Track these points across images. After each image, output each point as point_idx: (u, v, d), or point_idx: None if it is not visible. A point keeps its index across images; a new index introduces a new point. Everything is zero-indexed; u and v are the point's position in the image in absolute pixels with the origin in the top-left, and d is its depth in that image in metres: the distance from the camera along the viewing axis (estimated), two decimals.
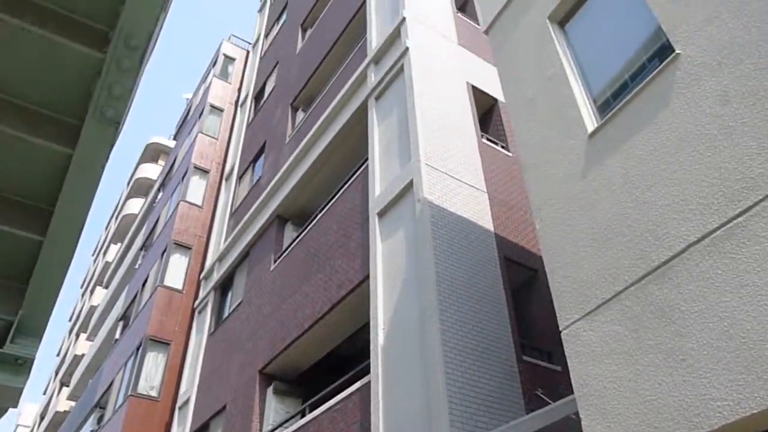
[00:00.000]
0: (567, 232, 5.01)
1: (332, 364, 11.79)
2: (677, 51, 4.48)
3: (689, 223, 4.00)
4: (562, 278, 4.91)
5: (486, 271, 8.65)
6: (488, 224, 9.31)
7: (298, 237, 13.02)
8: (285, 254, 13.25)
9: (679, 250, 4.02)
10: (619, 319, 4.31)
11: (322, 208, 12.35)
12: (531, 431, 6.05)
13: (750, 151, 3.72)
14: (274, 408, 11.29)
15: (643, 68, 4.91)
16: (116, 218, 42.66)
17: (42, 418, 42.25)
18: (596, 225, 4.76)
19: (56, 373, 43.02)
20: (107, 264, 39.36)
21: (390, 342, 8.23)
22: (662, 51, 4.75)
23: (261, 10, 25.75)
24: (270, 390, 11.61)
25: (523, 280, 9.49)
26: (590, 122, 5.21)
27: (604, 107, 5.22)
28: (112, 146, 3.03)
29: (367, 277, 9.38)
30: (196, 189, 22.30)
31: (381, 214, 9.66)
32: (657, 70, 4.61)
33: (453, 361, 7.25)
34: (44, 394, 46.53)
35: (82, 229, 3.22)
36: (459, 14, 12.87)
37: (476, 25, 12.99)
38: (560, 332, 4.80)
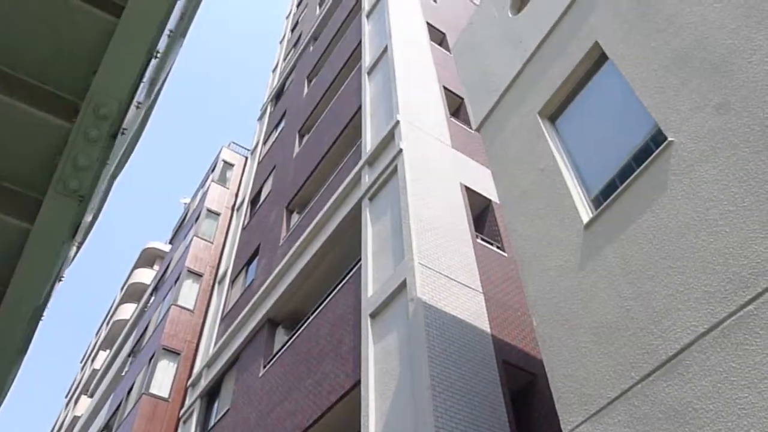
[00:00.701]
0: (566, 328, 4.74)
1: None
2: (670, 139, 4.43)
3: (696, 313, 3.75)
4: (564, 377, 4.58)
5: (483, 375, 8.22)
6: (485, 326, 8.97)
7: (288, 341, 12.57)
8: (275, 359, 12.73)
9: (687, 343, 3.74)
10: (627, 420, 3.95)
11: (314, 311, 12.00)
12: None
13: (754, 234, 3.55)
14: None
15: (636, 157, 4.85)
16: (107, 324, 41.80)
17: None
18: (597, 319, 4.49)
19: None
20: (94, 371, 38.09)
21: None
22: (655, 139, 4.70)
23: (261, 118, 26.55)
24: None
25: (523, 384, 9.01)
26: (585, 213, 5.08)
27: (598, 197, 5.11)
28: (77, 223, 2.84)
29: (359, 382, 8.91)
30: (189, 293, 21.95)
31: (373, 316, 9.34)
32: (651, 158, 4.53)
33: None
34: None
35: (37, 315, 2.97)
36: (452, 119, 13.16)
37: (469, 130, 13.26)
38: None
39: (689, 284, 3.88)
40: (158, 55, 2.97)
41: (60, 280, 3.79)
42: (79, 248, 4.13)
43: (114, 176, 4.11)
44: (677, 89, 4.56)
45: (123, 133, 3.20)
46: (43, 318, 3.53)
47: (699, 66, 4.42)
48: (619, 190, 4.72)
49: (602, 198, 5.03)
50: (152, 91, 3.51)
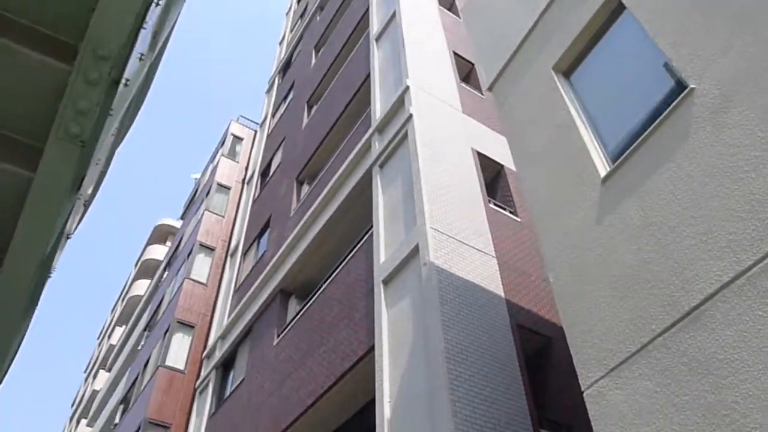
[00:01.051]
0: (584, 284, 4.64)
1: None
2: (691, 86, 4.26)
3: (720, 262, 3.63)
4: (582, 333, 4.50)
5: (498, 338, 8.17)
6: (498, 290, 8.89)
7: (301, 310, 12.59)
8: (288, 328, 12.77)
9: (711, 293, 3.63)
10: (647, 373, 3.86)
11: (326, 280, 11.98)
12: None
13: None
14: None
15: (655, 108, 4.69)
16: (122, 300, 42.24)
17: None
18: (616, 273, 4.39)
19: None
20: (111, 347, 38.61)
21: (397, 415, 7.65)
22: (675, 88, 4.54)
23: (269, 91, 26.34)
24: None
25: (538, 348, 8.97)
26: (602, 167, 4.94)
27: (616, 151, 4.96)
28: (81, 173, 2.76)
29: (372, 347, 8.90)
30: (201, 267, 22.04)
31: (386, 282, 9.28)
32: (672, 106, 4.38)
33: None
34: None
35: (45, 269, 2.90)
36: (462, 84, 12.94)
37: (480, 95, 13.05)
38: (582, 393, 4.33)
39: (713, 233, 3.76)
40: (159, 2, 2.86)
41: (68, 238, 3.73)
42: (86, 207, 4.05)
43: (121, 135, 4.01)
44: (699, 35, 4.38)
45: (126, 85, 3.09)
46: (51, 274, 3.48)
47: (721, 9, 4.24)
48: (638, 141, 4.57)
49: (620, 151, 4.88)
50: (155, 45, 3.39)
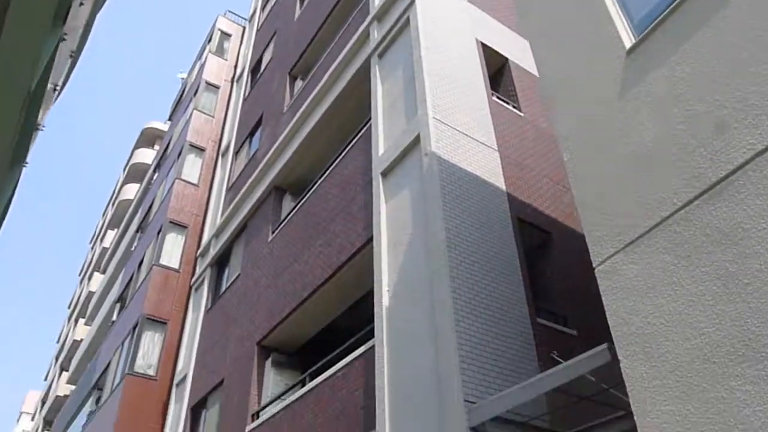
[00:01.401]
0: (602, 159, 4.44)
1: (333, 336, 11.23)
2: None
3: (755, 130, 3.43)
4: (597, 210, 4.35)
5: (498, 230, 8.09)
6: (500, 183, 8.74)
7: (296, 205, 12.46)
8: (283, 224, 12.69)
9: (742, 162, 3.45)
10: (666, 247, 3.74)
11: (322, 174, 11.77)
12: (543, 391, 5.45)
13: None
14: (273, 380, 10.76)
15: None
16: (113, 204, 42.05)
17: (43, 403, 41.75)
18: (637, 148, 4.18)
19: (56, 359, 42.53)
20: (104, 250, 38.77)
21: (396, 304, 7.67)
22: None
23: None
24: (268, 362, 11.08)
25: (537, 242, 8.92)
26: (627, 38, 4.62)
27: (644, 21, 4.61)
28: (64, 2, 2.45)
29: (371, 239, 8.82)
30: (192, 167, 21.67)
31: (385, 174, 9.09)
32: None
33: (464, 321, 6.70)
34: (45, 380, 46.08)
35: (29, 115, 2.64)
36: None
37: None
38: (594, 269, 4.23)
39: (748, 101, 3.53)
40: None
41: (57, 90, 3.44)
42: (74, 61, 3.72)
43: None
44: None
45: None
46: (40, 128, 3.22)
47: None
48: (671, 6, 4.23)
49: (649, 21, 4.54)
50: None
